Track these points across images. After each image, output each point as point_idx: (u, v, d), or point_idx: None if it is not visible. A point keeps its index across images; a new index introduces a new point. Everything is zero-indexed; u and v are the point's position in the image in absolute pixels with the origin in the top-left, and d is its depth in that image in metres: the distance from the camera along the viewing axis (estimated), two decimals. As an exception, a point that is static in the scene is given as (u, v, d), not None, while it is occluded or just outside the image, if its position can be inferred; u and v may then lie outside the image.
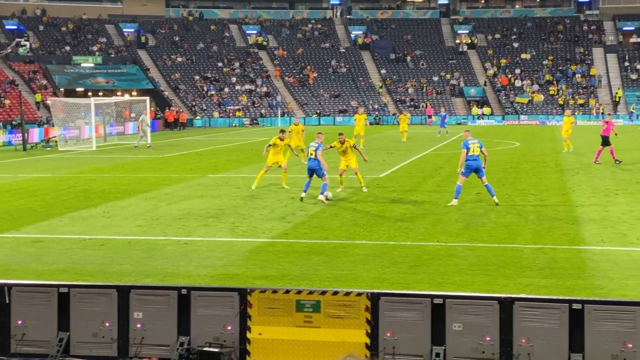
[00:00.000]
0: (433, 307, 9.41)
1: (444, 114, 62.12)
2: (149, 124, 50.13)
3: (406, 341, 9.41)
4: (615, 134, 34.76)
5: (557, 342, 9.11)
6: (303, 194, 23.29)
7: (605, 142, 33.46)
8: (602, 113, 79.50)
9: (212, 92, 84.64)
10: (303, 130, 33.75)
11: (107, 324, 9.92)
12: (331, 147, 25.04)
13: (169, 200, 24.08)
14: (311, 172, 23.33)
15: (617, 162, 33.01)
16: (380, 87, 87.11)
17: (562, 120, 42.11)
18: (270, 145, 26.36)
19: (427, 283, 13.46)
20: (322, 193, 22.94)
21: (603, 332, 8.99)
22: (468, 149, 21.88)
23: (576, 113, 79.80)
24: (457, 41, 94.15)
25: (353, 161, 24.82)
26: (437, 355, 9.28)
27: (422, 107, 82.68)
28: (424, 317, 9.41)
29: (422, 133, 58.74)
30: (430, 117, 77.70)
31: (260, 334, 9.69)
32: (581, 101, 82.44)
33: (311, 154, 23.40)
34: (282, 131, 27.32)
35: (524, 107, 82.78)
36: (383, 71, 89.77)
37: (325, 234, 18.23)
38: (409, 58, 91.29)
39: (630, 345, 8.91)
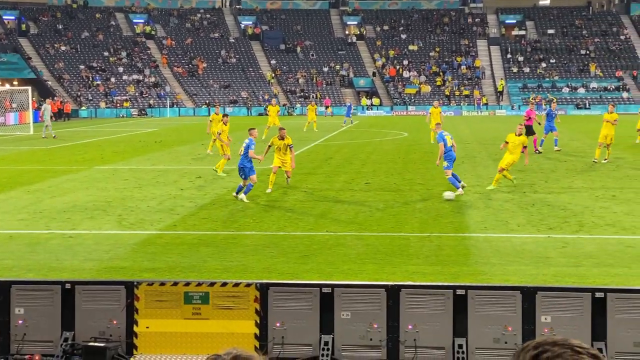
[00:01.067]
0: (322, 296, 9.47)
1: (350, 104, 64.91)
2: (44, 116, 48.25)
3: (295, 331, 9.45)
4: (539, 123, 35.52)
5: (442, 327, 9.32)
6: (237, 195, 21.73)
7: (529, 131, 34.41)
8: (486, 104, 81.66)
9: (98, 82, 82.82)
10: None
11: (-13, 321, 9.58)
12: (269, 146, 23.37)
13: (52, 193, 23.44)
14: (241, 171, 21.67)
15: (537, 152, 33.82)
16: (272, 78, 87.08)
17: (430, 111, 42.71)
18: (220, 132, 27.78)
19: (316, 272, 13.55)
20: (245, 193, 21.39)
21: (485, 316, 9.24)
22: (445, 141, 22.26)
23: (462, 104, 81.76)
24: (347, 32, 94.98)
25: (288, 159, 23.32)
26: (326, 343, 9.35)
27: (312, 97, 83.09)
28: (313, 307, 9.46)
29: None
30: (327, 107, 78.29)
31: (147, 327, 9.54)
32: (466, 92, 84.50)
33: (240, 151, 21.76)
34: (225, 115, 29.18)
35: (412, 97, 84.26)
36: (273, 62, 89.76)
37: (214, 225, 18.12)
38: (299, 49, 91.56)
39: (511, 329, 9.19)
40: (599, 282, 12.50)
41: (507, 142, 23.72)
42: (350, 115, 61.31)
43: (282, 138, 23.42)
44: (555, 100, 39.07)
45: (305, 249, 15.54)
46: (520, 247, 15.60)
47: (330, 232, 17.16)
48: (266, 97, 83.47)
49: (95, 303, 9.59)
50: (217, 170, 27.00)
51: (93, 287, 9.78)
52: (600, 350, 9.00)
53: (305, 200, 21.72)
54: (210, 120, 33.05)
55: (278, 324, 9.47)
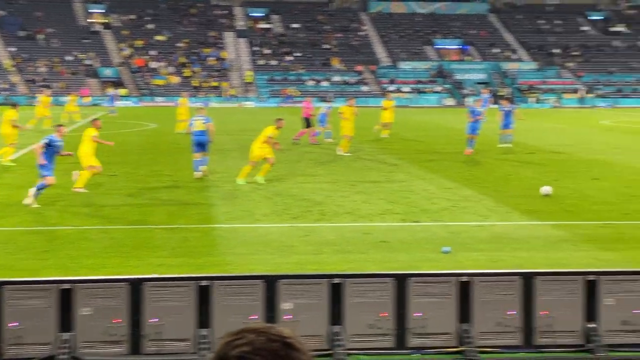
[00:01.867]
0: (61, 293, 9.19)
1: (112, 94, 64.48)
2: None
3: (32, 330, 9.10)
4: (312, 115, 36.08)
5: (186, 319, 9.33)
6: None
7: (307, 123, 35.22)
8: (234, 95, 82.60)
9: None
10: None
11: None
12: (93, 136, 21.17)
13: None
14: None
15: (314, 143, 34.62)
16: (12, 66, 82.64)
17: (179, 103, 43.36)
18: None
19: (57, 268, 13.09)
20: (37, 189, 18.91)
21: (229, 306, 9.37)
22: (192, 124, 24.31)
23: (209, 95, 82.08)
24: (90, 20, 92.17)
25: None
26: (66, 341, 9.07)
27: (57, 87, 79.83)
28: (52, 304, 9.15)
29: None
30: (84, 97, 75.55)
31: None
32: (215, 83, 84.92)
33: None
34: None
35: (160, 88, 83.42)
36: (12, 49, 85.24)
37: (-55, 222, 16.95)
38: (39, 36, 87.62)
39: (255, 317, 9.38)
40: (338, 269, 13.05)
41: (269, 137, 23.68)
42: (114, 104, 60.69)
43: (99, 127, 21.81)
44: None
45: (47, 244, 14.97)
46: (265, 236, 15.95)
47: (74, 226, 16.63)
48: (5, 87, 79.21)
49: None
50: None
51: None
52: (337, 333, 9.41)
53: (46, 194, 20.84)
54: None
55: (15, 324, 9.06)
